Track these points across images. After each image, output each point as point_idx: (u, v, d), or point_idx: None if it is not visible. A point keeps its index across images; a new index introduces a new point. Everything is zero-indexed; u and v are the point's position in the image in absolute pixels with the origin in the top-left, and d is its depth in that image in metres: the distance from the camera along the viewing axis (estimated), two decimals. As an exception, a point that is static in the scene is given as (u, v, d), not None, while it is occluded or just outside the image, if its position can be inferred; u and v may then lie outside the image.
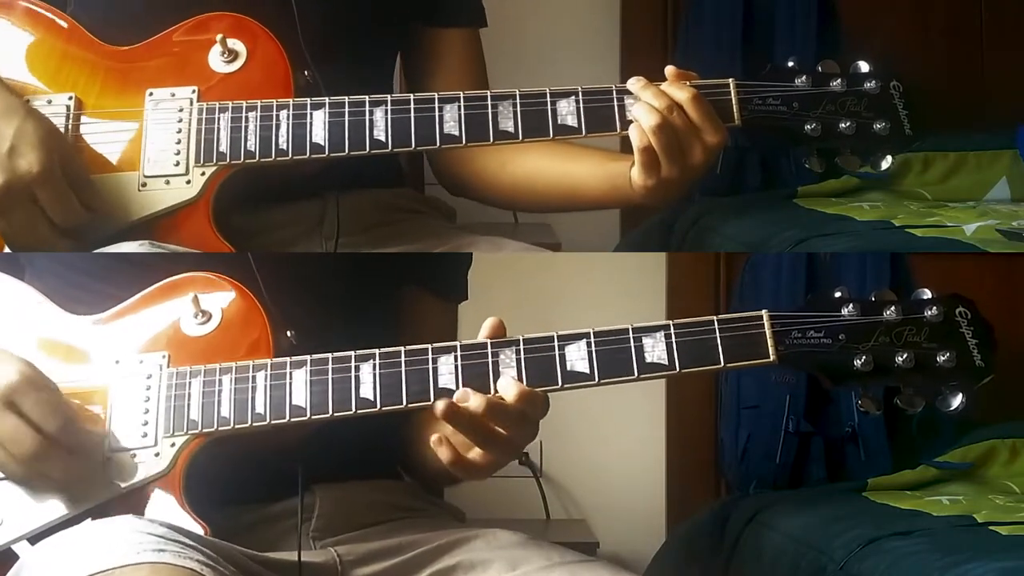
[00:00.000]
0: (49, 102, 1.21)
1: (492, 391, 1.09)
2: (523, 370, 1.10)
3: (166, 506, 1.09)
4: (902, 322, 1.12)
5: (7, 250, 1.17)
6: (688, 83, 1.23)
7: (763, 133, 1.27)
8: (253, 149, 1.20)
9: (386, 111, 1.21)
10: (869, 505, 2.08)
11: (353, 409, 1.10)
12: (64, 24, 1.27)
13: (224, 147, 1.20)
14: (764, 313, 1.12)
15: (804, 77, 1.25)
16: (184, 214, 1.19)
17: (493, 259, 2.05)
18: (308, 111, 1.20)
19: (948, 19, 2.62)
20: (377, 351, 1.12)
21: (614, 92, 1.23)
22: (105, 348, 1.16)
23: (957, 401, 1.11)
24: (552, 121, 1.21)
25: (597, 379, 1.10)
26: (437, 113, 1.21)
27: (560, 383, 1.10)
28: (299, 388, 1.11)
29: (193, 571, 0.96)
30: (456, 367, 1.10)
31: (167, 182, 1.20)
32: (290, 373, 1.12)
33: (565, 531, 2.28)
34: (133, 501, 1.09)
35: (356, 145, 1.20)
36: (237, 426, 1.11)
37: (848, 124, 1.24)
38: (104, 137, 1.21)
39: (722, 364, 1.10)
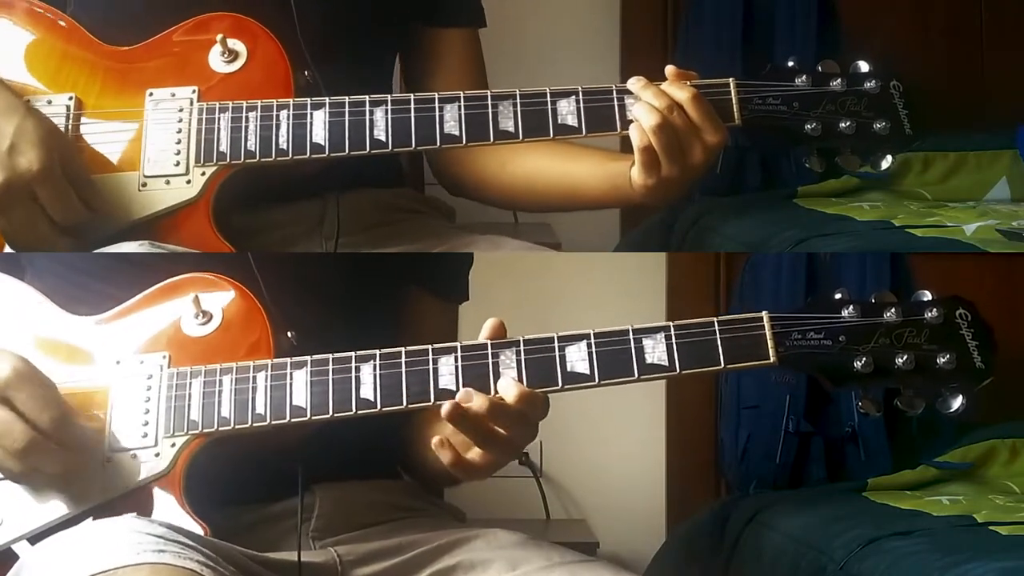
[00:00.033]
0: (49, 102, 1.21)
1: (492, 392, 1.09)
2: (523, 371, 1.10)
3: (166, 506, 1.10)
4: (902, 324, 1.12)
5: (8, 250, 1.17)
6: (688, 83, 1.23)
7: (763, 133, 1.27)
8: (253, 149, 1.20)
9: (386, 111, 1.21)
10: (869, 505, 2.08)
11: (353, 410, 1.10)
12: (64, 24, 1.26)
13: (224, 147, 1.20)
14: (764, 314, 1.12)
15: (804, 77, 1.25)
16: (184, 214, 1.19)
17: (493, 259, 2.05)
18: (308, 111, 1.20)
19: (948, 19, 2.62)
20: (377, 352, 1.12)
21: (614, 92, 1.23)
22: (106, 348, 1.16)
23: (957, 403, 1.11)
24: (552, 121, 1.21)
25: (597, 380, 1.10)
26: (437, 113, 1.21)
27: (560, 384, 1.10)
28: (299, 388, 1.11)
29: (193, 571, 0.96)
30: (456, 368, 1.10)
31: (167, 182, 1.20)
32: (290, 373, 1.12)
33: (565, 531, 2.28)
34: (134, 501, 1.09)
35: (356, 145, 1.20)
36: (237, 426, 1.11)
37: (848, 124, 1.24)
38: (104, 137, 1.21)
39: (722, 365, 1.11)
